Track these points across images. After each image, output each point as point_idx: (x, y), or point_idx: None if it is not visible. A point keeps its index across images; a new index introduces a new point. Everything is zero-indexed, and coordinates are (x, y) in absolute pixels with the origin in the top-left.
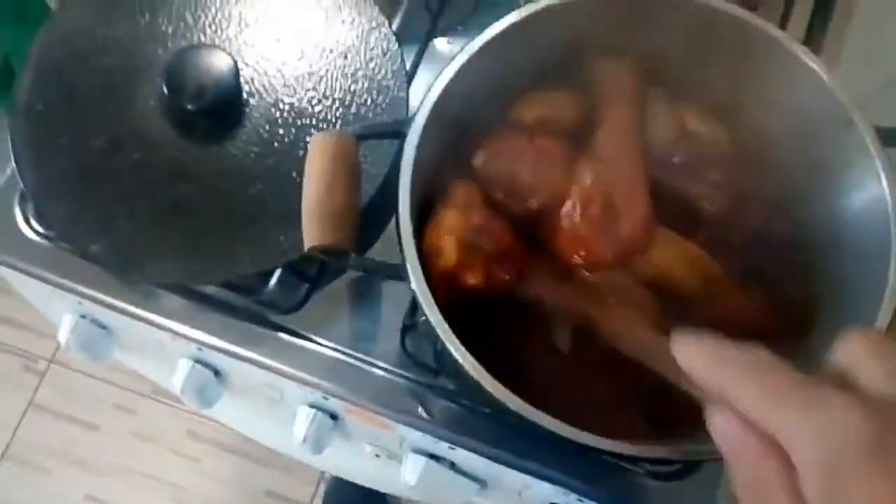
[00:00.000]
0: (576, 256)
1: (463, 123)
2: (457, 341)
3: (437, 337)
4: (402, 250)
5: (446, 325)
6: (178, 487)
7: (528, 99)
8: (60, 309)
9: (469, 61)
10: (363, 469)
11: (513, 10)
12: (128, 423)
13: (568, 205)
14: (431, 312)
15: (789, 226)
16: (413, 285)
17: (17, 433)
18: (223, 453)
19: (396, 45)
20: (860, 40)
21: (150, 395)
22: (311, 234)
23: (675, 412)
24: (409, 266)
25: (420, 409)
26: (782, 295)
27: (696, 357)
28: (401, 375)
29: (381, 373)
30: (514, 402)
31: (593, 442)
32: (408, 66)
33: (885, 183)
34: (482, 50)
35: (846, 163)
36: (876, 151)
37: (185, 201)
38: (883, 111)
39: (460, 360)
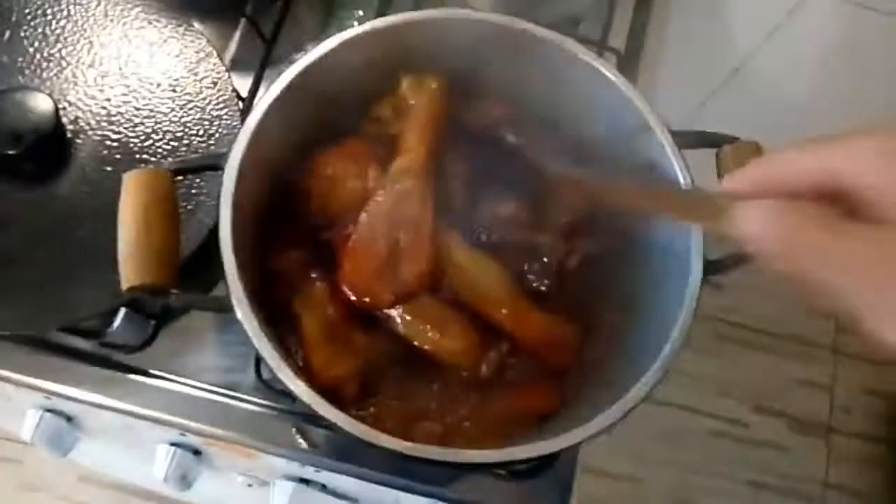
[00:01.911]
0: (355, 296)
1: (290, 151)
2: (287, 369)
3: (267, 366)
4: (227, 283)
5: (275, 354)
6: None
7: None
8: None
9: (280, 96)
10: (237, 499)
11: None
12: (13, 475)
13: (353, 241)
14: (259, 342)
15: (607, 232)
16: (239, 316)
17: None
18: (119, 495)
19: (227, 75)
20: (686, 54)
21: (34, 444)
22: (128, 274)
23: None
24: (234, 299)
25: (283, 437)
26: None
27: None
28: (259, 404)
29: (238, 403)
30: (348, 424)
31: (427, 454)
32: (246, 93)
33: (681, 181)
34: (297, 80)
35: (651, 164)
36: (672, 152)
37: (13, 249)
38: (714, 119)
39: (291, 387)
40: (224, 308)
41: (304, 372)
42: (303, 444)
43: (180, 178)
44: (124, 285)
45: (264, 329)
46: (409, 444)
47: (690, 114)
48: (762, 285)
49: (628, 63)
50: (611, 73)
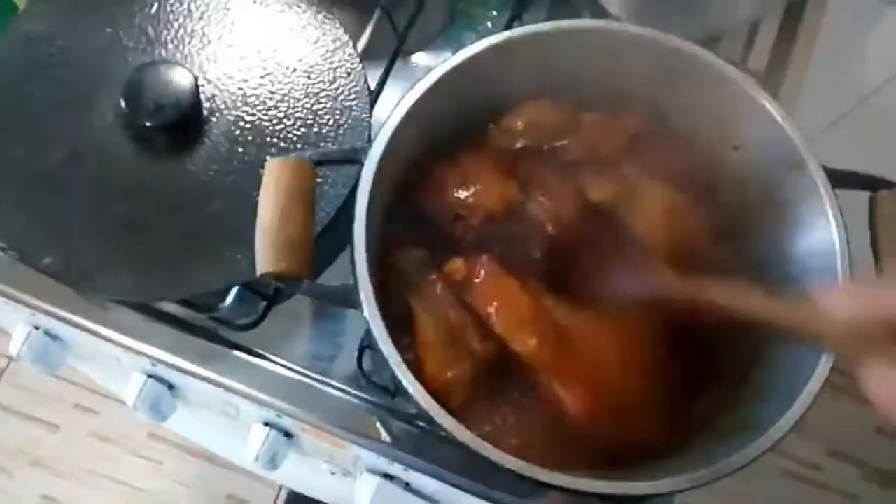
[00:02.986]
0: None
1: (422, 148)
2: (409, 373)
3: (386, 364)
4: (355, 279)
5: (398, 357)
6: (137, 490)
7: (517, 107)
8: (13, 319)
9: (425, 94)
10: (319, 485)
11: (480, 33)
12: (89, 424)
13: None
14: (384, 344)
15: (738, 262)
16: (366, 314)
17: None
18: (185, 456)
19: (360, 66)
20: (817, 79)
21: (111, 396)
22: (265, 260)
23: (626, 448)
24: (362, 294)
25: (375, 430)
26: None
27: None
28: (357, 396)
29: (336, 392)
30: (463, 435)
31: (541, 476)
32: (374, 84)
33: (832, 223)
34: (437, 84)
35: (796, 201)
36: (825, 192)
37: (142, 217)
38: (833, 150)
39: (411, 391)
40: (351, 303)
41: (415, 371)
42: (385, 436)
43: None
44: (260, 270)
45: (387, 328)
46: (522, 463)
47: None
48: None
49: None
50: (764, 99)
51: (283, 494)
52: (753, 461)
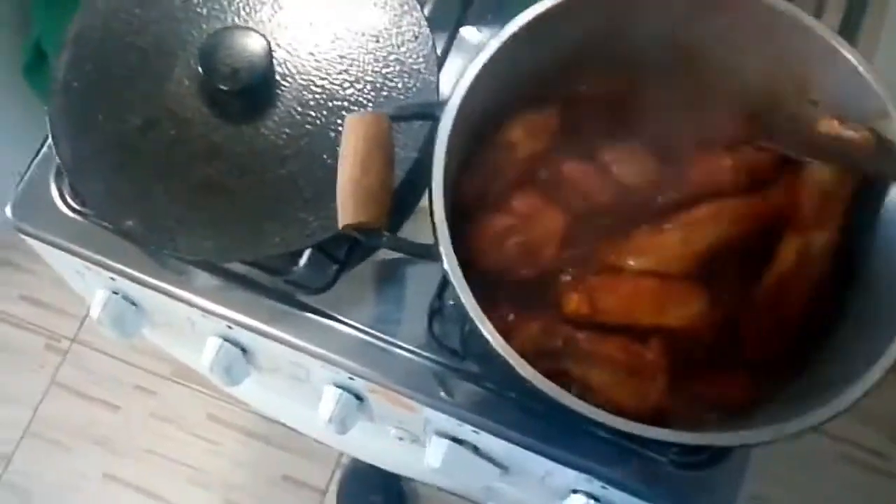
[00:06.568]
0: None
1: (493, 108)
2: (488, 322)
3: (467, 318)
4: (434, 231)
5: (478, 307)
6: (196, 469)
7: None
8: (93, 285)
9: (502, 47)
10: (386, 452)
11: None
12: (148, 404)
13: None
14: (463, 294)
15: None
16: (445, 265)
17: (39, 411)
18: (243, 437)
19: (427, 30)
20: (889, 49)
21: (170, 378)
22: (346, 212)
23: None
24: (441, 247)
25: (444, 392)
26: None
27: None
28: (426, 357)
29: (406, 354)
30: (543, 384)
31: (623, 426)
32: (438, 51)
33: None
34: (514, 37)
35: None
36: None
37: (218, 179)
38: None
39: (491, 342)
40: (430, 255)
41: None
42: (457, 400)
43: None
44: (342, 222)
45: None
46: (608, 413)
47: None
48: None
49: None
50: (845, 49)
51: (338, 475)
52: (836, 416)
